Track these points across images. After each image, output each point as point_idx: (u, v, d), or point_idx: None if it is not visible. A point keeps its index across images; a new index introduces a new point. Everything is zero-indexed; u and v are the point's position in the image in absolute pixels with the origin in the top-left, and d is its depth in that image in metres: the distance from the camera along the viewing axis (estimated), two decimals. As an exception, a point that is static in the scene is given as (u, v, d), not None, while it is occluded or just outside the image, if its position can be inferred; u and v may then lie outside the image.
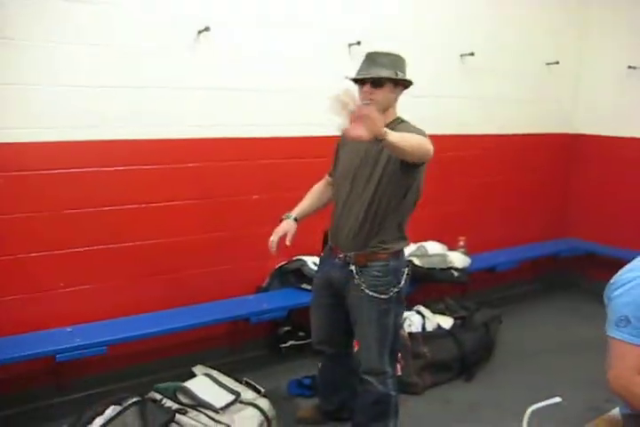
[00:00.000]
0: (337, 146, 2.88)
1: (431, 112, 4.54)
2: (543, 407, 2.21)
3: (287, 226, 2.82)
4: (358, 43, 3.96)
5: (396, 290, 2.67)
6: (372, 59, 2.61)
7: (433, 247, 4.38)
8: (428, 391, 3.59)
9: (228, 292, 3.73)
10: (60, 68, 3.09)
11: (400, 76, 2.58)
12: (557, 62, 5.16)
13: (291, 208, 2.99)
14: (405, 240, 2.74)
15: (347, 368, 3.00)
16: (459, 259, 4.36)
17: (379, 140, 2.13)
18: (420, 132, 2.51)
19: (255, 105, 3.69)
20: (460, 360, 3.71)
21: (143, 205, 3.44)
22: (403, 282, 2.71)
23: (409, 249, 4.28)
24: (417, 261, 4.16)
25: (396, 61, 2.63)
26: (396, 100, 2.67)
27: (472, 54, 4.60)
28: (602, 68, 5.33)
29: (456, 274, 4.28)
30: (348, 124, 2.03)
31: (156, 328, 3.29)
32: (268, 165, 3.82)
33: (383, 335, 2.71)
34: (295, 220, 2.86)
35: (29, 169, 3.10)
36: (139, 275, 3.49)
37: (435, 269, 4.19)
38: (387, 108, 2.61)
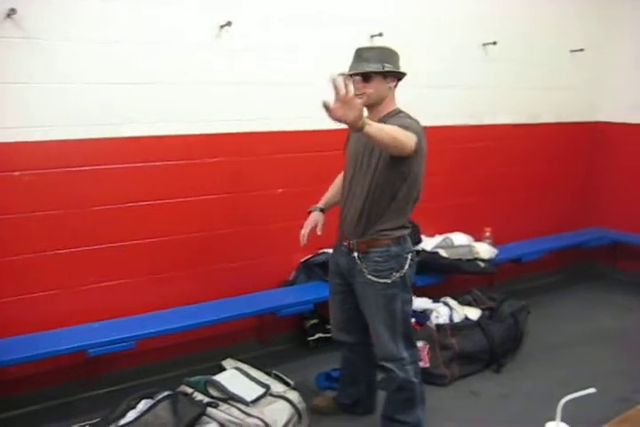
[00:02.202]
0: (346, 138, 2.93)
1: (453, 102, 4.53)
2: (573, 398, 2.19)
3: (316, 217, 2.96)
4: (380, 34, 3.95)
5: (398, 275, 2.71)
6: (359, 54, 2.67)
7: (459, 238, 4.36)
8: (456, 383, 3.57)
9: (254, 285, 3.74)
10: (82, 65, 3.11)
11: (387, 68, 2.62)
12: (582, 50, 5.10)
13: (315, 201, 3.05)
14: (407, 229, 2.78)
15: (366, 359, 3.03)
16: (485, 250, 4.33)
17: (358, 128, 2.19)
18: (409, 125, 2.53)
19: (278, 99, 3.69)
20: (489, 351, 3.69)
21: (169, 201, 3.45)
22: (406, 267, 2.74)
23: (435, 241, 4.29)
24: (443, 253, 4.14)
25: (383, 54, 2.67)
26: (390, 90, 2.70)
27: (494, 43, 4.55)
28: (627, 56, 5.26)
29: (482, 265, 4.25)
30: (333, 105, 2.11)
31: (184, 322, 3.31)
32: (292, 158, 3.82)
33: (392, 321, 2.75)
34: (322, 210, 2.98)
35: (57, 166, 3.13)
36: (166, 270, 3.52)
37: (461, 260, 4.17)
38: (381, 99, 2.68)
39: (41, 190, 3.10)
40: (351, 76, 2.63)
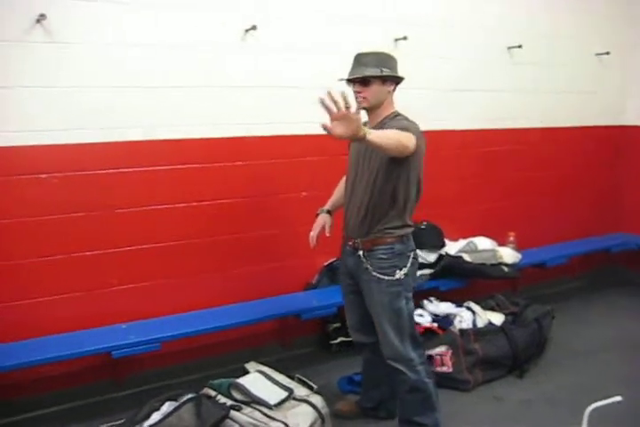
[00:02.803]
0: (348, 143, 2.97)
1: (478, 106, 4.52)
2: (599, 406, 2.17)
3: (323, 219, 3.02)
4: (405, 38, 3.95)
5: (402, 273, 2.75)
6: (357, 60, 2.73)
7: (482, 243, 4.34)
8: (479, 388, 3.54)
9: (277, 289, 3.76)
10: (108, 69, 3.16)
11: (385, 72, 2.67)
12: (608, 53, 5.06)
13: (339, 204, 3.05)
14: (410, 227, 2.82)
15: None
16: (509, 254, 4.31)
17: (360, 138, 2.28)
18: (407, 126, 2.59)
19: (302, 102, 3.68)
20: (512, 357, 3.66)
21: (194, 204, 3.48)
22: (409, 265, 2.78)
23: (458, 245, 4.27)
24: (467, 257, 4.13)
25: (381, 59, 2.71)
26: (388, 94, 2.76)
27: (519, 47, 4.54)
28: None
29: (506, 270, 4.23)
30: (330, 123, 2.21)
31: (208, 325, 3.33)
32: (316, 162, 3.83)
33: (397, 319, 2.78)
34: (329, 212, 3.04)
35: (82, 169, 3.18)
36: (190, 273, 3.54)
37: (485, 264, 4.15)
38: (380, 102, 2.74)
39: (66, 193, 3.14)
40: (349, 81, 2.71)
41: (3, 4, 2.87)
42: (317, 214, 3.05)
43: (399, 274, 2.74)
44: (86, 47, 3.08)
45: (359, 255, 2.79)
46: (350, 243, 2.85)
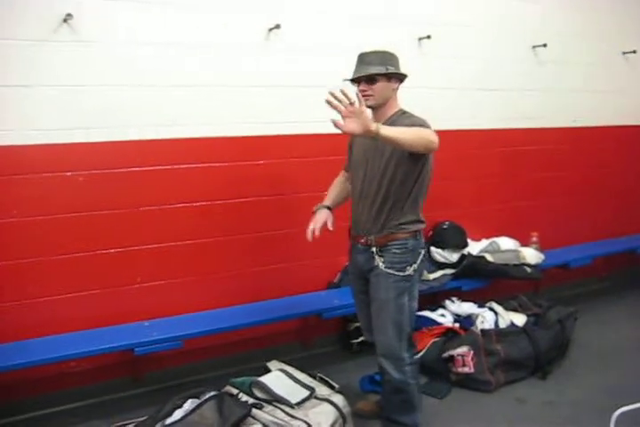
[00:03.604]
0: (350, 142, 3.00)
1: (501, 106, 4.49)
2: (627, 410, 2.14)
3: (325, 214, 2.94)
4: (428, 37, 3.94)
5: (412, 269, 2.76)
6: (361, 59, 2.74)
7: (505, 243, 4.32)
8: (501, 389, 3.52)
9: (299, 288, 3.76)
10: (132, 67, 3.18)
11: (390, 70, 2.68)
12: (634, 51, 5.00)
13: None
14: (423, 223, 2.83)
15: None
16: (532, 255, 4.28)
17: (373, 135, 2.33)
18: (423, 122, 2.61)
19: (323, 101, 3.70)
20: (535, 358, 3.62)
21: (216, 202, 3.50)
22: (419, 262, 2.79)
23: (481, 245, 4.25)
24: (489, 257, 4.10)
25: (385, 57, 2.72)
26: (393, 92, 2.76)
27: (545, 46, 4.50)
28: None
29: (529, 270, 4.20)
30: (341, 120, 2.30)
31: (230, 323, 3.35)
32: (336, 161, 3.81)
33: (399, 316, 2.77)
34: (329, 208, 2.98)
35: (107, 167, 3.20)
36: (213, 271, 3.56)
37: (507, 265, 4.13)
38: (385, 100, 2.74)
39: (91, 191, 3.17)
40: (353, 81, 2.73)
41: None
42: (314, 211, 2.97)
43: (409, 270, 2.75)
44: (110, 47, 3.10)
45: (372, 252, 2.78)
46: (363, 240, 2.83)
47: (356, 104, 2.29)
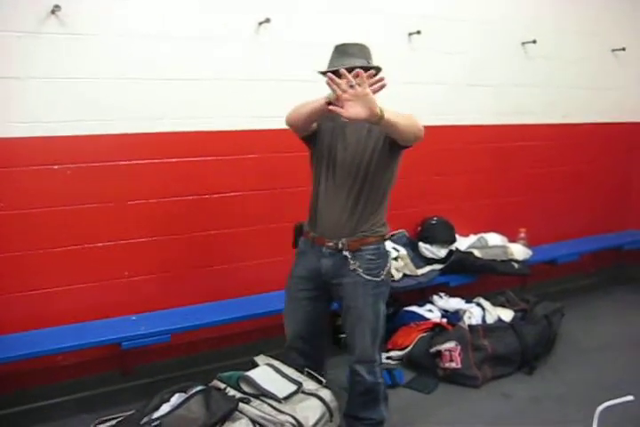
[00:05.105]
0: (312, 134, 2.74)
1: (491, 101, 4.50)
2: (610, 405, 2.15)
3: None
4: (418, 32, 3.93)
5: (385, 272, 2.72)
6: (342, 50, 2.64)
7: (493, 239, 4.34)
8: (487, 385, 3.54)
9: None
10: (122, 61, 3.16)
11: (370, 63, 2.62)
12: (624, 49, 5.02)
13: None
14: (387, 226, 2.76)
15: (321, 363, 3.07)
16: (519, 251, 4.31)
17: (377, 120, 2.21)
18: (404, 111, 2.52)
19: (316, 96, 3.68)
20: (521, 354, 3.65)
21: (206, 196, 3.49)
22: (389, 264, 2.77)
23: (469, 240, 4.27)
24: (477, 253, 4.13)
25: (365, 50, 2.66)
26: None
27: (534, 42, 4.50)
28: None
29: (517, 266, 4.23)
30: (343, 105, 2.19)
31: (217, 317, 3.35)
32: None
33: (375, 323, 2.74)
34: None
35: (94, 161, 3.18)
36: (202, 265, 3.56)
37: (495, 260, 4.15)
38: None
39: (78, 184, 3.15)
40: (333, 72, 2.53)
41: None
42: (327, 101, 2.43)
43: (383, 275, 2.70)
44: (101, 39, 3.08)
45: (345, 256, 2.66)
46: (331, 244, 2.68)
47: (356, 87, 2.19)
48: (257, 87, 3.51)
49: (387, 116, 2.23)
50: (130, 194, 3.28)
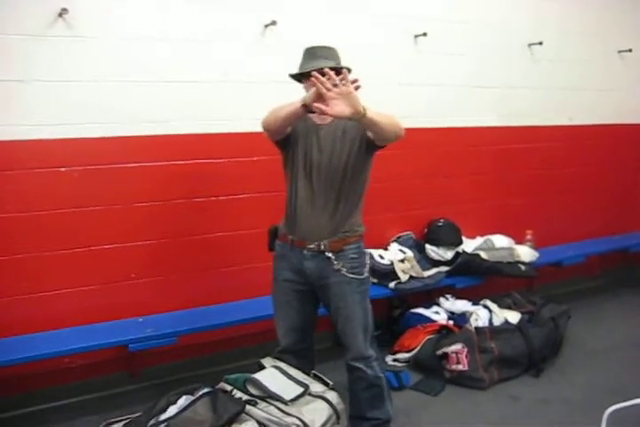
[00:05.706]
0: (286, 137, 2.72)
1: (498, 103, 4.49)
2: (619, 408, 2.15)
3: None
4: (424, 34, 3.93)
5: (366, 270, 2.77)
6: (312, 53, 2.66)
7: (500, 241, 4.33)
8: (494, 387, 3.53)
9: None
10: (127, 63, 3.17)
11: (340, 65, 2.62)
12: (630, 50, 5.00)
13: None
14: (363, 224, 2.81)
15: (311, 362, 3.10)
16: (526, 253, 4.29)
17: (360, 117, 2.27)
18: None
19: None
20: (528, 356, 3.64)
21: (211, 199, 3.49)
22: (368, 262, 2.81)
23: (475, 242, 4.26)
24: (484, 255, 4.11)
25: (334, 53, 2.69)
26: None
27: (540, 44, 4.50)
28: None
29: (523, 268, 4.22)
30: (325, 103, 2.24)
31: (224, 320, 3.35)
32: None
33: (365, 319, 2.79)
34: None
35: (101, 163, 3.19)
36: (209, 267, 3.56)
37: (502, 262, 4.14)
38: None
39: (86, 186, 3.16)
40: (299, 76, 2.66)
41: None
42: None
43: (365, 272, 2.76)
44: (106, 42, 3.09)
45: (328, 257, 2.68)
46: (313, 246, 2.69)
47: (340, 86, 2.24)
48: (261, 89, 3.50)
49: (369, 114, 2.29)
50: (136, 196, 3.29)
